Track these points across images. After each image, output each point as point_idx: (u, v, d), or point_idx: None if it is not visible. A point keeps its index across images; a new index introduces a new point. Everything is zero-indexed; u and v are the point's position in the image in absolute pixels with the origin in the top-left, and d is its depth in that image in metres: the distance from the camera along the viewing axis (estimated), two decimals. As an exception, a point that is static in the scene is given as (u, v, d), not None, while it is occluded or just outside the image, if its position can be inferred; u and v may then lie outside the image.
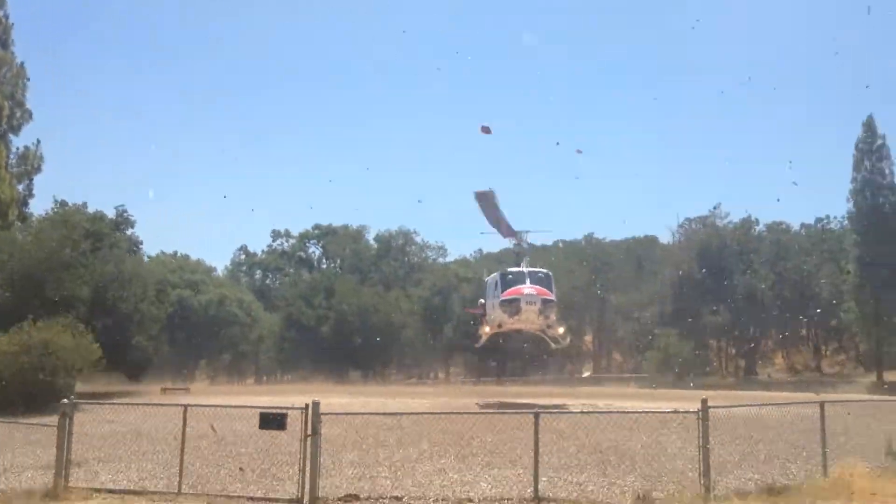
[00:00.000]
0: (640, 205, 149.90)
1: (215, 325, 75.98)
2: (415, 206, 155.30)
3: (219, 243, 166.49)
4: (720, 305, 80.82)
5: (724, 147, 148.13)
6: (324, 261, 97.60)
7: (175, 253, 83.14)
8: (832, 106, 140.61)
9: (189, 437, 13.73)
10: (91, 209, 44.62)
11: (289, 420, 13.21)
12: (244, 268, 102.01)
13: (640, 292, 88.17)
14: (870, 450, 13.04)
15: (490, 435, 16.56)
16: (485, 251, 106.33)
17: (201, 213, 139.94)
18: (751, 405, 14.39)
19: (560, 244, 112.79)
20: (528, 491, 11.95)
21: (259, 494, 12.82)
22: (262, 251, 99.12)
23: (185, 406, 14.16)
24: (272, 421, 13.53)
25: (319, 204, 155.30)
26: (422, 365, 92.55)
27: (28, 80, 47.40)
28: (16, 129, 46.37)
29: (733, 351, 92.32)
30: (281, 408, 14.19)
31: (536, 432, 12.24)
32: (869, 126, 74.81)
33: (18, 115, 46.34)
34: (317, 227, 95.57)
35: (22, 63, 47.35)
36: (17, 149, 46.68)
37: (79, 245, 37.40)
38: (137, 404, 19.56)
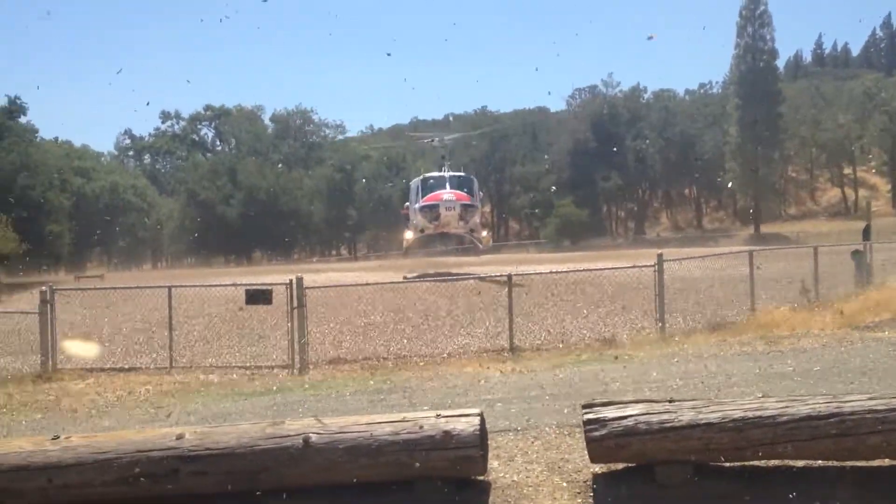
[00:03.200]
0: (531, 77, 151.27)
1: (109, 212, 73.68)
2: (309, 83, 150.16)
3: (100, 128, 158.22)
4: (612, 172, 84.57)
5: (609, 17, 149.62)
6: (218, 143, 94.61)
7: (56, 139, 78.80)
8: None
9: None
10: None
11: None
12: (130, 152, 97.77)
13: (536, 162, 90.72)
14: (790, 291, 15.18)
15: (449, 301, 17.88)
16: (376, 126, 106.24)
17: (82, 96, 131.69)
18: (693, 258, 16.17)
19: (451, 118, 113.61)
20: (505, 343, 13.41)
21: (253, 363, 13.68)
22: (150, 134, 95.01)
23: (170, 287, 14.78)
24: (259, 296, 14.33)
25: (211, 84, 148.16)
26: (325, 243, 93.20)
27: None
28: None
29: (623, 214, 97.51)
30: (265, 284, 15.03)
31: (510, 292, 13.63)
32: (753, -7, 77.72)
33: None
34: (208, 108, 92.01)
35: None
36: None
37: (-23, 134, 35.36)
38: (114, 288, 19.72)
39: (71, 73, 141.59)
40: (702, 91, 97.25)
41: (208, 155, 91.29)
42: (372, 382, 10.64)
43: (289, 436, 5.39)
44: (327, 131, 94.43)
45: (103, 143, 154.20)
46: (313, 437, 5.33)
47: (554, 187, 78.19)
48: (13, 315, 15.94)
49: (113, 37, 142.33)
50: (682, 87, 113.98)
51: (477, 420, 5.33)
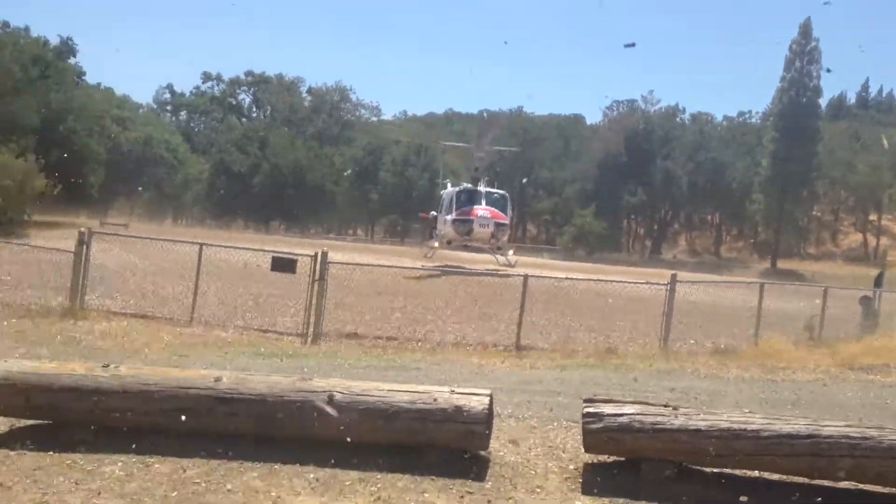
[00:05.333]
0: (569, 83, 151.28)
1: (139, 164, 74.63)
2: (350, 62, 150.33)
3: (141, 79, 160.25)
4: (638, 188, 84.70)
5: (659, 36, 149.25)
6: (254, 109, 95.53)
7: (99, 84, 79.65)
8: (769, 6, 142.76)
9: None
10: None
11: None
12: (169, 107, 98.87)
13: (564, 169, 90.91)
14: (794, 327, 15.58)
15: (463, 293, 18.43)
16: (409, 112, 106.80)
17: (126, 45, 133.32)
18: (707, 282, 16.61)
19: (485, 114, 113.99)
20: (511, 340, 13.91)
21: (268, 327, 14.23)
22: (190, 92, 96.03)
23: (201, 244, 15.37)
24: (284, 264, 14.92)
25: (255, 51, 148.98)
26: (343, 222, 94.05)
27: None
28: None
29: (642, 231, 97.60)
30: (292, 253, 15.61)
31: (524, 292, 14.13)
32: (805, 29, 77.53)
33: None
34: (249, 73, 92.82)
35: None
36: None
37: (27, 69, 36.06)
38: (149, 239, 20.35)
39: (118, 19, 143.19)
40: (740, 119, 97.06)
41: (243, 120, 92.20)
42: (383, 359, 11.18)
43: (315, 391, 5.93)
44: (363, 111, 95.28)
45: (142, 94, 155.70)
46: (337, 396, 5.87)
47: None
48: (47, 251, 16.62)
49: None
50: (721, 113, 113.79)
51: (487, 400, 5.85)
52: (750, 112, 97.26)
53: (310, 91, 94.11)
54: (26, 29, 41.73)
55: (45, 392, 5.89)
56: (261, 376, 6.31)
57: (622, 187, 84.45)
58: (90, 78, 70.30)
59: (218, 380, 5.99)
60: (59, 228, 33.54)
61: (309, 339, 13.58)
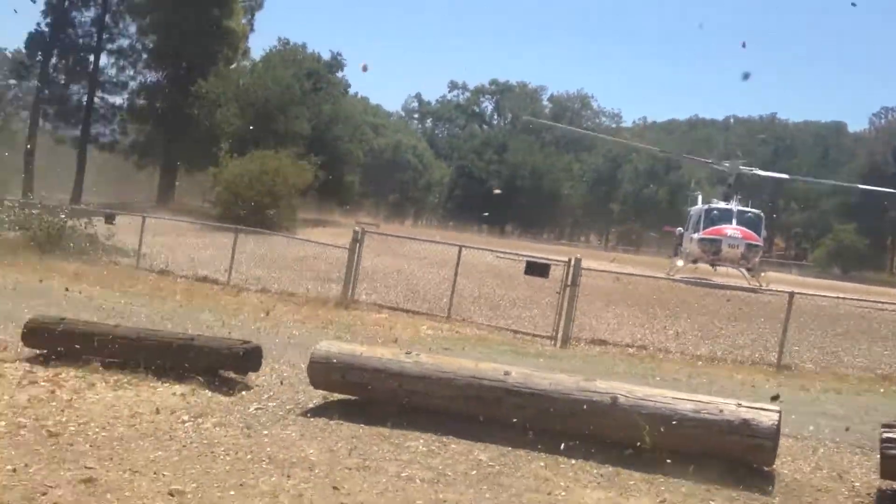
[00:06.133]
0: (830, 88, 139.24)
1: (389, 168, 79.64)
2: (588, 70, 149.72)
3: (392, 88, 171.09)
4: (910, 203, 76.16)
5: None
6: (495, 116, 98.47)
7: (357, 94, 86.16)
8: None
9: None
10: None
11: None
12: (416, 115, 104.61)
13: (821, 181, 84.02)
14: None
15: (716, 307, 17.86)
16: (650, 119, 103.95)
17: (380, 57, 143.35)
18: None
19: (732, 120, 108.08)
20: (772, 358, 13.28)
21: (518, 328, 14.69)
22: (436, 101, 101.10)
23: (460, 246, 16.30)
24: (538, 269, 15.38)
25: (499, 59, 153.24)
26: (575, 228, 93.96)
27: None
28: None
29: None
30: (546, 258, 16.06)
31: (789, 309, 13.44)
32: None
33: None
34: (493, 82, 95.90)
35: None
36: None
37: (303, 83, 40.46)
38: (412, 239, 22.02)
39: (375, 33, 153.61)
40: None
41: (484, 127, 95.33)
42: (639, 368, 11.18)
43: (598, 392, 6.19)
44: (603, 119, 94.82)
45: (393, 103, 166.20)
46: (620, 399, 6.08)
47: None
48: (318, 246, 18.47)
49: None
50: None
51: (776, 416, 5.78)
52: None
53: (551, 99, 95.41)
54: (303, 46, 46.50)
55: (358, 371, 6.69)
56: (544, 373, 6.69)
57: (889, 202, 76.34)
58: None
59: (507, 374, 6.45)
60: (321, 226, 37.05)
61: (558, 342, 13.81)
